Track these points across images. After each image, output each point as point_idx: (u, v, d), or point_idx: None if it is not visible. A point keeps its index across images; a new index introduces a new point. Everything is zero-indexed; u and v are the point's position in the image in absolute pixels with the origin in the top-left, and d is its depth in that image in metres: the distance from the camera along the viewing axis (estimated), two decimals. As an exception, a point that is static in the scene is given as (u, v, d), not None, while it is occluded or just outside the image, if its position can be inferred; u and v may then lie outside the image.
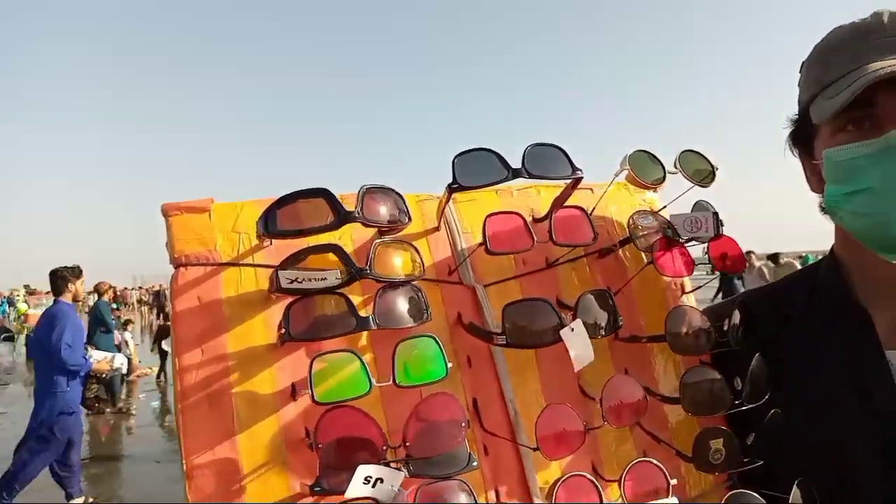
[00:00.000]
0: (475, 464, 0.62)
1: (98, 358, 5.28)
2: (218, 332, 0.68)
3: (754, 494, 0.68)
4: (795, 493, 0.70)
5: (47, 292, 18.68)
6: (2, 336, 17.37)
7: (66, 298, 5.03)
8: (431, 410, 0.61)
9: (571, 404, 0.68)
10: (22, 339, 17.29)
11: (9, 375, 13.68)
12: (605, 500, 0.64)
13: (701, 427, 0.74)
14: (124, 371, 5.93)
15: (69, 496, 4.87)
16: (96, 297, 8.13)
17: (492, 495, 0.69)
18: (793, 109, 0.79)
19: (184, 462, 0.64)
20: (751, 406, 0.72)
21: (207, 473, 0.64)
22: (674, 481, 0.67)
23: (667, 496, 0.66)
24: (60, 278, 5.01)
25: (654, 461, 0.68)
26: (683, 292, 0.87)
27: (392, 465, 0.58)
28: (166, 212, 0.71)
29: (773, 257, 9.13)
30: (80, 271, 5.25)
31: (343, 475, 0.57)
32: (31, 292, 20.27)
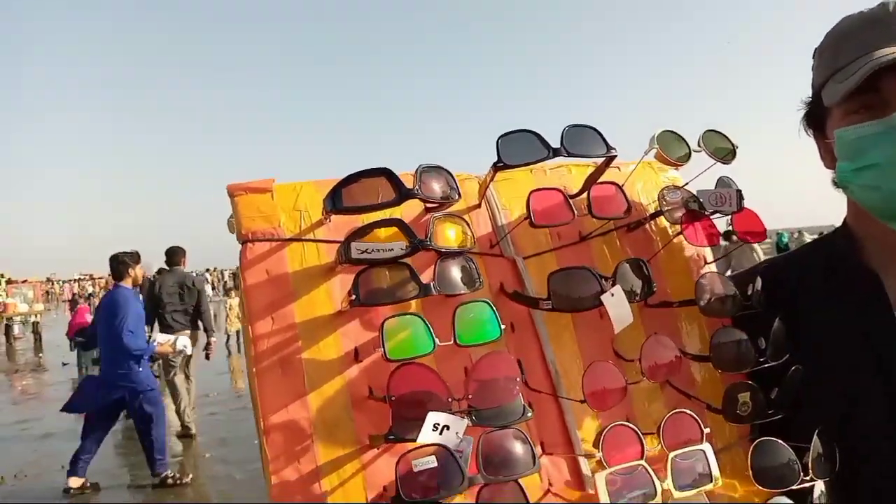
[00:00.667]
0: (529, 414, 0.71)
1: (161, 341, 5.48)
2: (286, 302, 0.77)
3: (780, 441, 0.78)
4: (816, 442, 0.80)
5: (24, 281, 18.68)
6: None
7: (127, 283, 5.28)
8: (490, 367, 0.70)
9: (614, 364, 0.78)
10: (1, 327, 17.31)
11: (-9, 367, 13.71)
12: (645, 448, 0.74)
13: (725, 385, 0.84)
14: (189, 353, 6.11)
15: (156, 472, 5.24)
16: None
17: (538, 448, 0.79)
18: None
19: (261, 421, 0.73)
20: (773, 364, 0.81)
21: (282, 430, 0.73)
22: (707, 430, 0.77)
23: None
24: (121, 263, 5.20)
25: (689, 412, 0.77)
26: (706, 262, 0.96)
27: (457, 414, 0.67)
28: (232, 192, 0.80)
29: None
30: (139, 256, 5.45)
31: (413, 424, 0.66)
32: (9, 281, 20.23)
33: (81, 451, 5.22)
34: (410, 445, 0.66)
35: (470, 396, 0.69)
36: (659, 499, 0.72)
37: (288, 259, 0.79)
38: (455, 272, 0.75)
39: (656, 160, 0.94)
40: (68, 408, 5.18)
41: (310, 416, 0.73)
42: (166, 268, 6.80)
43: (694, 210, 0.87)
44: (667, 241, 0.92)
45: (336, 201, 0.72)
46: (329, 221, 0.80)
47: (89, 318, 11.46)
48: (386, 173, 0.72)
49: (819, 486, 0.80)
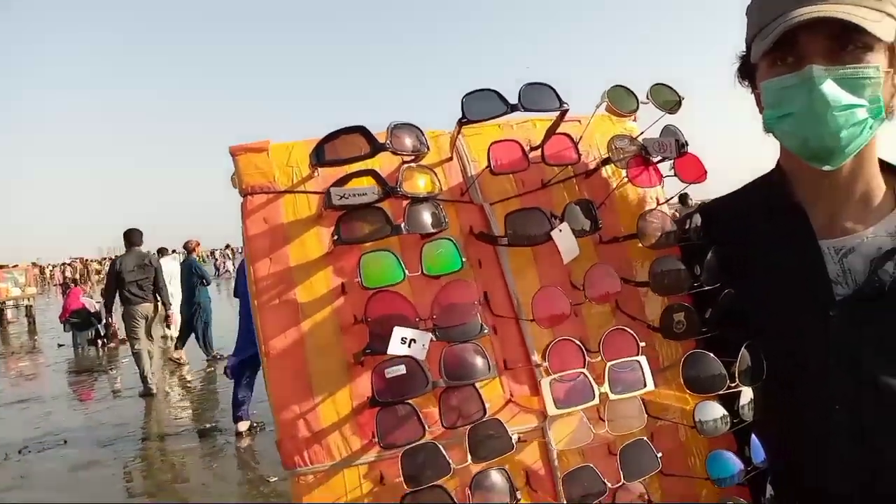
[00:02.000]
0: (486, 331, 0.91)
1: None
2: (281, 246, 0.96)
3: (709, 353, 0.97)
4: (744, 354, 0.98)
5: (14, 266, 19.19)
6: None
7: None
8: (452, 293, 0.90)
9: (563, 291, 0.97)
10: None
11: (-11, 348, 14.21)
12: (587, 360, 0.94)
13: (671, 309, 1.03)
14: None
15: (238, 419, 6.09)
16: (186, 254, 10.11)
17: (501, 365, 0.99)
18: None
19: (262, 345, 0.94)
20: (708, 288, 1.00)
21: (280, 353, 0.93)
22: (643, 344, 0.96)
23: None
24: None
25: (628, 329, 0.97)
26: (658, 204, 1.14)
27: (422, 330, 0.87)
28: (233, 152, 0.99)
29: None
30: None
31: (387, 341, 0.86)
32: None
33: (238, 398, 5.99)
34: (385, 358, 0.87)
35: (434, 317, 0.88)
36: (596, 401, 0.91)
37: (283, 209, 0.98)
38: (424, 215, 0.94)
39: (609, 113, 1.11)
40: (236, 353, 5.77)
41: (304, 339, 0.93)
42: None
43: (639, 156, 1.05)
44: (619, 184, 1.10)
45: (319, 155, 0.91)
46: (318, 175, 0.99)
47: (83, 300, 11.87)
48: (361, 130, 0.91)
49: (747, 394, 1.00)
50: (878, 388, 0.94)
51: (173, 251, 11.91)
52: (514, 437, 0.92)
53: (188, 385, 8.79)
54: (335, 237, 0.89)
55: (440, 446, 0.85)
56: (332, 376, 0.92)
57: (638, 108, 1.09)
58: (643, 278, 1.06)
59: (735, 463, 0.99)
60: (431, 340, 0.87)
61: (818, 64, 0.90)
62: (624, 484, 0.92)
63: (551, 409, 0.91)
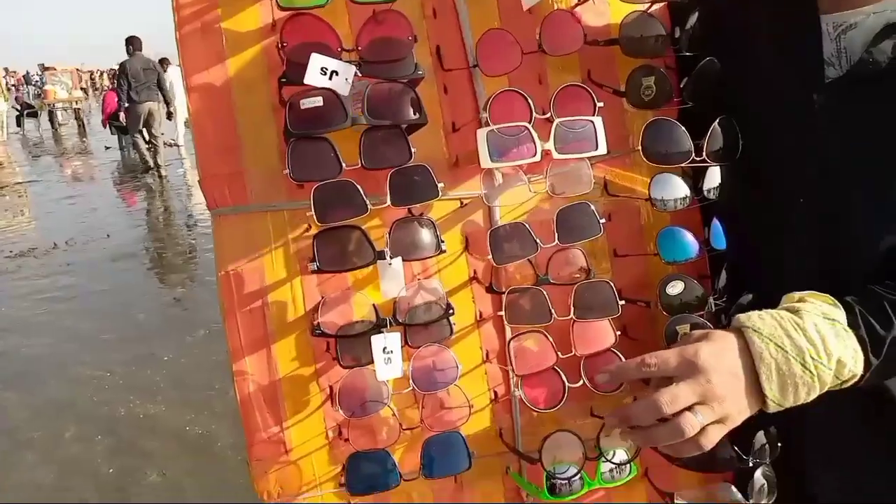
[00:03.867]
0: (421, 72, 0.81)
1: None
2: (219, 60, 0.84)
3: (674, 121, 0.87)
4: (715, 129, 0.88)
5: (63, 70, 19.25)
6: (26, 112, 18.32)
7: None
8: (385, 24, 0.79)
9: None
10: (45, 115, 18.28)
11: (38, 148, 14.72)
12: (534, 115, 0.84)
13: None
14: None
15: None
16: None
17: (449, 126, 0.90)
18: None
19: (184, 80, 0.86)
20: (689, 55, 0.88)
21: (203, 85, 0.85)
22: (600, 104, 0.86)
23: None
24: None
25: (585, 86, 0.86)
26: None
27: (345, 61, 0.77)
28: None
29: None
30: None
31: (304, 69, 0.77)
32: (45, 68, 20.85)
33: None
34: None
35: (360, 48, 0.79)
36: (537, 157, 0.83)
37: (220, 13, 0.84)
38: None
39: None
40: None
41: (229, 78, 0.85)
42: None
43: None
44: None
45: None
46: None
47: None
48: None
49: (714, 175, 0.90)
50: (843, 180, 0.84)
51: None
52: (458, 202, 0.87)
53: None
54: None
55: (357, 184, 0.79)
56: (258, 117, 0.85)
57: None
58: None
59: (692, 245, 0.92)
60: (356, 76, 0.78)
61: None
62: (561, 247, 0.87)
63: (485, 162, 0.83)
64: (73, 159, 13.19)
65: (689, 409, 0.73)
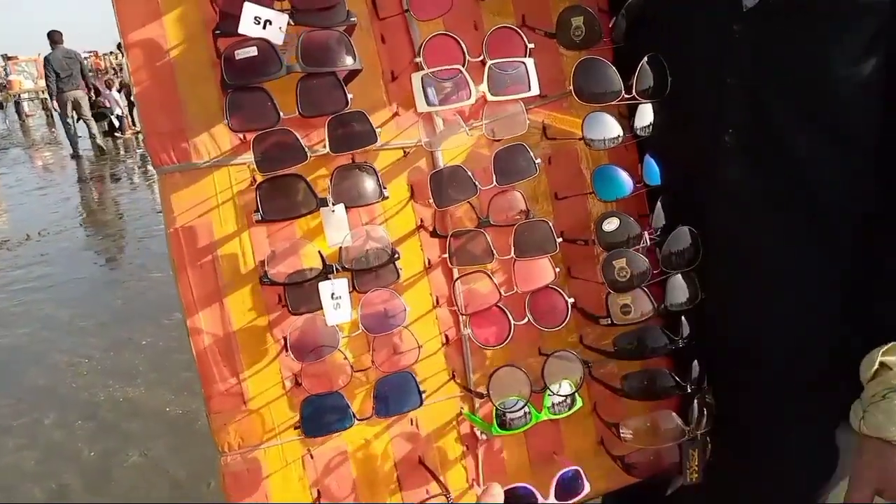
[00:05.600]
0: (353, 18, 0.81)
1: None
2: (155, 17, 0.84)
3: (604, 60, 0.89)
4: (643, 67, 0.90)
5: (26, 59, 18.75)
6: (-11, 104, 17.87)
7: None
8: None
9: None
10: (11, 106, 17.83)
11: (5, 140, 14.41)
12: (467, 59, 0.85)
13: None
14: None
15: None
16: None
17: (388, 76, 0.91)
18: None
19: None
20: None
21: (140, 41, 0.85)
22: (531, 45, 0.87)
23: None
24: None
25: (516, 28, 0.88)
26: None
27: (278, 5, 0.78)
28: None
29: None
30: None
31: (237, 20, 0.77)
32: (7, 58, 20.30)
33: None
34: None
35: (294, -7, 0.79)
36: (472, 100, 0.85)
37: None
38: None
39: None
40: None
41: (165, 32, 0.85)
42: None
43: None
44: None
45: None
46: None
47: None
48: None
49: (646, 113, 0.92)
50: (773, 112, 0.87)
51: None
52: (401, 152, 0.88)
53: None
54: None
55: (295, 132, 0.80)
56: (197, 73, 0.85)
57: None
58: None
59: (625, 182, 0.94)
60: (289, 24, 0.79)
61: None
62: (501, 190, 0.89)
63: (421, 106, 0.84)
64: (43, 150, 12.91)
65: None
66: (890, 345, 0.84)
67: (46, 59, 10.30)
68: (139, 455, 3.06)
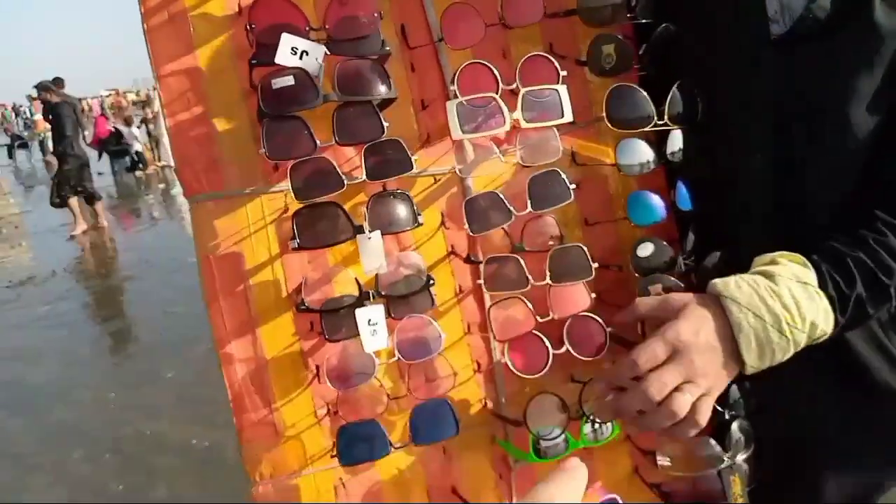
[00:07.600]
0: (388, 48, 0.82)
1: None
2: (187, 49, 0.84)
3: (637, 87, 0.88)
4: (674, 93, 0.89)
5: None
6: (16, 144, 18.22)
7: None
8: (349, 4, 0.80)
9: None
10: (36, 145, 18.20)
11: (31, 178, 14.65)
12: (501, 86, 0.85)
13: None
14: None
15: None
16: None
17: (419, 104, 0.91)
18: None
19: (155, 70, 0.85)
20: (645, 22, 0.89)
21: (172, 72, 0.85)
22: (564, 73, 0.87)
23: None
24: None
25: (548, 56, 0.87)
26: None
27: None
28: None
29: None
30: None
31: (274, 49, 0.77)
32: (34, 99, 20.81)
33: None
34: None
35: (327, 27, 0.79)
36: (507, 127, 0.84)
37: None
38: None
39: None
40: None
41: (198, 65, 0.85)
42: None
43: None
44: None
45: None
46: None
47: (109, 127, 12.05)
48: None
49: (677, 138, 0.91)
50: (795, 135, 0.86)
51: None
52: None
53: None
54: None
55: (333, 162, 0.79)
56: (229, 103, 0.85)
57: None
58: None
59: (659, 207, 0.93)
60: (326, 54, 0.79)
61: None
62: (534, 216, 0.87)
63: (456, 133, 0.84)
64: (67, 187, 13.14)
65: (677, 389, 0.74)
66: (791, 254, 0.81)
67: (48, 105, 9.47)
68: (166, 489, 3.04)
